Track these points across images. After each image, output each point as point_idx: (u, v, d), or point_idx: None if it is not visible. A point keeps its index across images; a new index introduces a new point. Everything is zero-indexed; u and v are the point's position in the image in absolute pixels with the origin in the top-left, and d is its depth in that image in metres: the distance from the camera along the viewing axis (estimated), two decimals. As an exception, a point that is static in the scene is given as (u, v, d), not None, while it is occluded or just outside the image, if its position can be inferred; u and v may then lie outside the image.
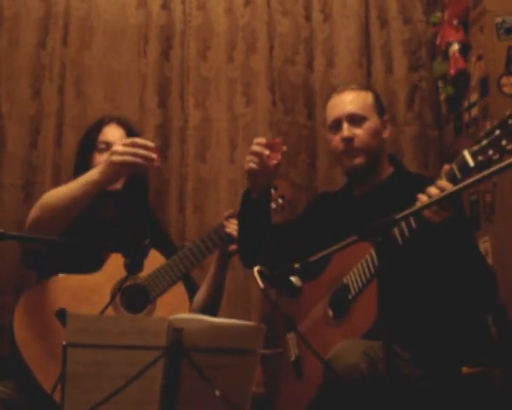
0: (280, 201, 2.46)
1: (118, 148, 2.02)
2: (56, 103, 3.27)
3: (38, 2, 3.35)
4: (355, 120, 2.24)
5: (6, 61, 3.30)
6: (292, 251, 2.22)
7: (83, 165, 2.34)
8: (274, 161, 2.14)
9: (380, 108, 2.30)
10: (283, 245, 2.28)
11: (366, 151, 2.22)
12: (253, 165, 2.14)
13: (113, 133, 2.38)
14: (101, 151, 2.35)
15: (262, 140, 2.16)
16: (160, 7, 3.38)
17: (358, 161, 2.22)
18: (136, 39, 3.38)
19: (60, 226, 2.08)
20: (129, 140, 2.04)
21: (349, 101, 2.27)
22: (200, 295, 2.46)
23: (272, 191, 2.40)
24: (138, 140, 2.04)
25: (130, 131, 2.42)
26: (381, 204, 1.95)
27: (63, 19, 3.33)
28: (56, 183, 3.19)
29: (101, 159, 2.28)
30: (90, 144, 2.37)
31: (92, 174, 2.07)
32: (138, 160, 1.99)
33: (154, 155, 2.00)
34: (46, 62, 3.32)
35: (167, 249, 2.37)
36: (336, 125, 2.26)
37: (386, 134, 2.29)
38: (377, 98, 2.33)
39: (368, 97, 2.29)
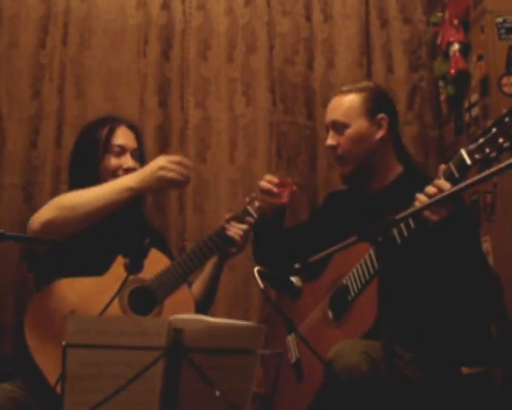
0: None
1: (166, 164, 2.09)
2: (56, 103, 3.28)
3: (38, 2, 3.35)
4: (337, 127, 2.23)
5: (6, 61, 3.30)
6: (303, 254, 2.23)
7: (93, 166, 2.34)
8: (283, 200, 2.21)
9: (370, 108, 2.22)
10: (295, 249, 2.29)
11: (350, 159, 2.21)
12: (261, 204, 2.25)
13: (127, 137, 2.39)
14: (117, 154, 2.35)
15: (273, 179, 2.23)
16: (159, 7, 3.38)
17: (346, 169, 2.24)
18: (136, 39, 3.38)
19: (78, 229, 2.10)
20: (176, 158, 2.13)
21: (334, 107, 2.27)
22: (194, 292, 2.46)
23: None
24: (184, 160, 2.14)
25: (138, 136, 2.44)
26: (387, 206, 1.94)
27: (63, 19, 3.34)
28: (56, 183, 3.20)
29: (116, 162, 2.32)
30: (102, 146, 2.36)
31: (129, 181, 2.13)
32: (183, 179, 2.10)
33: (190, 177, 2.13)
34: (46, 62, 3.33)
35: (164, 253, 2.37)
36: (327, 131, 2.29)
37: (379, 134, 2.21)
38: (369, 98, 2.23)
39: (353, 100, 2.22)
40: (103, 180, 2.29)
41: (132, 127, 2.44)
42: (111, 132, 2.37)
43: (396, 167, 2.25)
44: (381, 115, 2.23)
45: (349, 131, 2.20)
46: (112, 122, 2.41)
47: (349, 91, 2.26)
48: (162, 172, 2.09)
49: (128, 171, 2.31)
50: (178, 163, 2.10)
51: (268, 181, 2.22)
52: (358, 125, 2.21)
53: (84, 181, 2.24)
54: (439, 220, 1.82)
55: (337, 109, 2.24)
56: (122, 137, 2.37)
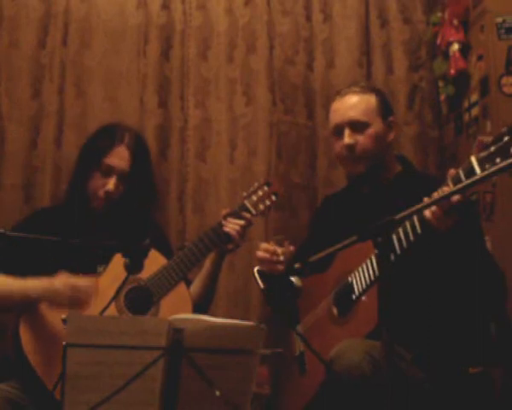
0: (273, 198, 2.49)
1: (60, 287, 2.10)
2: (56, 103, 3.27)
3: (38, 2, 3.35)
4: (357, 126, 2.21)
5: (6, 61, 3.30)
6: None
7: (81, 179, 2.37)
8: (281, 267, 2.15)
9: (384, 110, 2.26)
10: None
11: (368, 157, 2.20)
12: (263, 268, 2.16)
13: (121, 158, 2.37)
14: (104, 174, 2.35)
15: (268, 247, 2.18)
16: (159, 7, 3.38)
17: (360, 168, 2.21)
18: (136, 39, 3.38)
19: None
20: (72, 282, 2.12)
21: (350, 106, 2.23)
22: (194, 290, 2.46)
23: (266, 188, 2.47)
24: (80, 283, 2.13)
25: (136, 154, 2.41)
26: (387, 203, 1.94)
27: (63, 19, 3.34)
28: (56, 183, 3.20)
29: (100, 182, 2.33)
30: (94, 163, 2.37)
31: (30, 290, 2.12)
32: (75, 302, 2.09)
33: (85, 297, 2.11)
34: (46, 62, 3.33)
35: (165, 253, 2.37)
36: (338, 131, 2.24)
37: (391, 137, 2.25)
38: (381, 100, 2.27)
39: (370, 101, 2.24)
40: (89, 194, 2.33)
41: (131, 147, 2.40)
42: (106, 151, 2.36)
43: (396, 167, 2.27)
44: (392, 118, 2.28)
45: (370, 131, 2.21)
46: (113, 138, 2.39)
47: (362, 91, 2.26)
48: (58, 298, 2.11)
49: (108, 194, 2.31)
50: (73, 287, 2.11)
51: (264, 250, 2.18)
52: (377, 125, 2.22)
53: (75, 190, 2.34)
54: (446, 230, 1.82)
55: (355, 108, 2.23)
56: (114, 158, 2.35)
